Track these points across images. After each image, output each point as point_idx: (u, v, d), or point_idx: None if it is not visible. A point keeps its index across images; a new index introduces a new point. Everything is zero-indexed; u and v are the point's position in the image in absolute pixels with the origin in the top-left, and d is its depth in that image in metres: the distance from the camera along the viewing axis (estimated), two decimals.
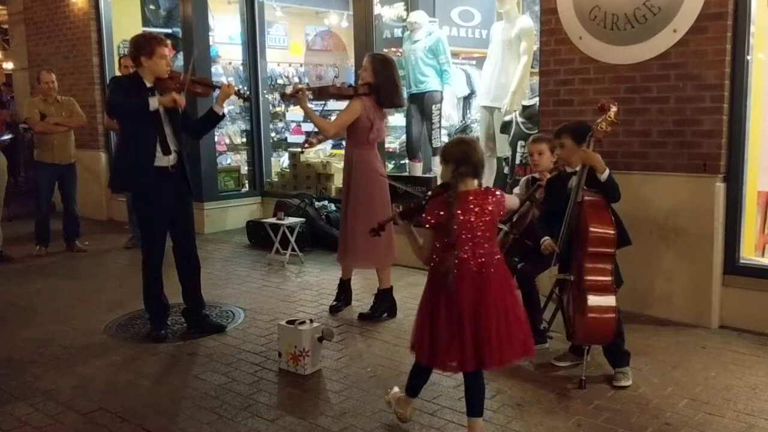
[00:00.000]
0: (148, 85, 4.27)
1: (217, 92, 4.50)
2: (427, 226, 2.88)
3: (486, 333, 2.80)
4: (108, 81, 8.78)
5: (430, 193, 3.06)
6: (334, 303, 5.02)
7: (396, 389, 3.31)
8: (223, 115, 4.61)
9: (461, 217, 2.82)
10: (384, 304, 4.82)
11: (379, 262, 4.79)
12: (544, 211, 3.99)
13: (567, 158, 3.83)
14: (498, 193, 2.94)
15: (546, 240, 3.82)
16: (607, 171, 3.52)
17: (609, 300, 3.52)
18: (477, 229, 2.84)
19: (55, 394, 3.64)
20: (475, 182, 2.91)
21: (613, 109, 3.54)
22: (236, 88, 4.58)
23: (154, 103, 4.19)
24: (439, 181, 3.55)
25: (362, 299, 5.13)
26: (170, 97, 4.22)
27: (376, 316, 4.78)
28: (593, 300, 3.52)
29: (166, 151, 4.31)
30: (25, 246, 7.09)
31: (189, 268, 4.61)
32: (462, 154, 2.88)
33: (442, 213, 2.82)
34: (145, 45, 4.26)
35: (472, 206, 2.85)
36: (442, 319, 2.84)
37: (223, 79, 9.18)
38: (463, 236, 2.83)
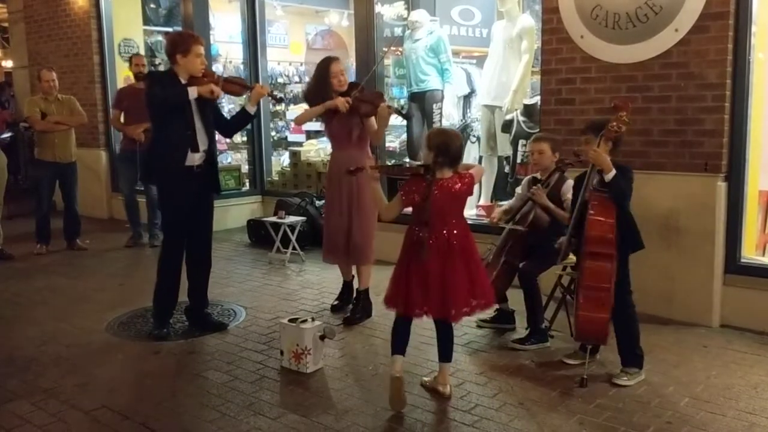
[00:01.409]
0: (183, 82, 4.27)
1: (249, 93, 4.51)
2: (406, 203, 3.27)
3: (452, 292, 3.24)
4: (109, 79, 8.87)
5: (409, 165, 3.34)
6: (336, 302, 5.02)
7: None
8: (255, 114, 4.63)
9: (435, 200, 3.20)
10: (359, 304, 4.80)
11: (368, 258, 4.78)
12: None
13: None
14: (467, 176, 3.31)
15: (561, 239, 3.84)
16: (613, 172, 3.48)
17: (604, 301, 3.51)
18: (447, 209, 3.27)
19: (57, 392, 3.64)
20: (451, 171, 3.28)
21: (624, 112, 3.50)
22: (269, 90, 4.56)
23: (193, 92, 4.20)
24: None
25: None
26: (208, 88, 4.25)
27: (356, 317, 4.72)
28: (587, 299, 3.55)
29: (195, 149, 4.30)
30: (25, 244, 7.08)
31: (201, 267, 4.61)
32: (443, 145, 3.24)
33: (419, 195, 3.21)
34: (182, 43, 4.26)
35: (445, 190, 3.24)
36: (414, 277, 3.26)
37: None
38: (435, 215, 3.23)
